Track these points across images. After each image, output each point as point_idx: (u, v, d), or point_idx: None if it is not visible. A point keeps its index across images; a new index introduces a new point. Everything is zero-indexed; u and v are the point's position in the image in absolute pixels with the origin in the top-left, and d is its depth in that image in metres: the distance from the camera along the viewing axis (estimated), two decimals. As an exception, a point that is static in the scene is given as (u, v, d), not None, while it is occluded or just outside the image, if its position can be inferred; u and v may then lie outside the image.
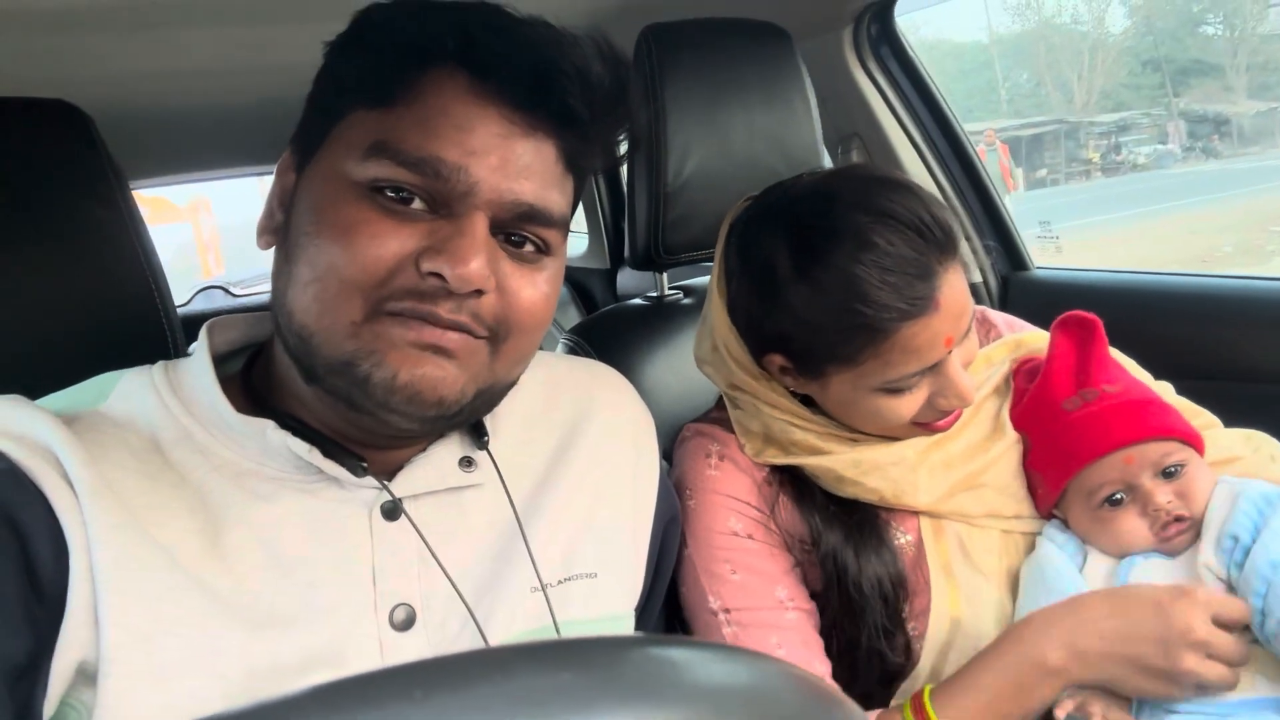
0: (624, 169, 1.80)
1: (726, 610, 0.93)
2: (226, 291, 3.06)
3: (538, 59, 0.64)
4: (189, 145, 2.27)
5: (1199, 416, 1.01)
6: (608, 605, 0.79)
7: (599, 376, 0.91)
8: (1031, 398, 0.99)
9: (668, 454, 1.04)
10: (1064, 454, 0.94)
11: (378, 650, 0.67)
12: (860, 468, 0.95)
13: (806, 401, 0.99)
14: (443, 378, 0.65)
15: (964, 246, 0.89)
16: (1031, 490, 0.99)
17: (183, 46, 1.47)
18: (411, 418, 0.65)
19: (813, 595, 0.98)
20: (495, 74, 0.65)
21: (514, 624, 0.72)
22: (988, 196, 1.72)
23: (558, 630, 0.73)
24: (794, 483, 0.99)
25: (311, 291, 0.64)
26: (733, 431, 1.01)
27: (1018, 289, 1.70)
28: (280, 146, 0.73)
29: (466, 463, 0.75)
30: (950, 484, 0.97)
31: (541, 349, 0.85)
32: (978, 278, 1.71)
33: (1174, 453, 0.91)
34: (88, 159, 0.87)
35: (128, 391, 0.70)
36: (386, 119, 0.65)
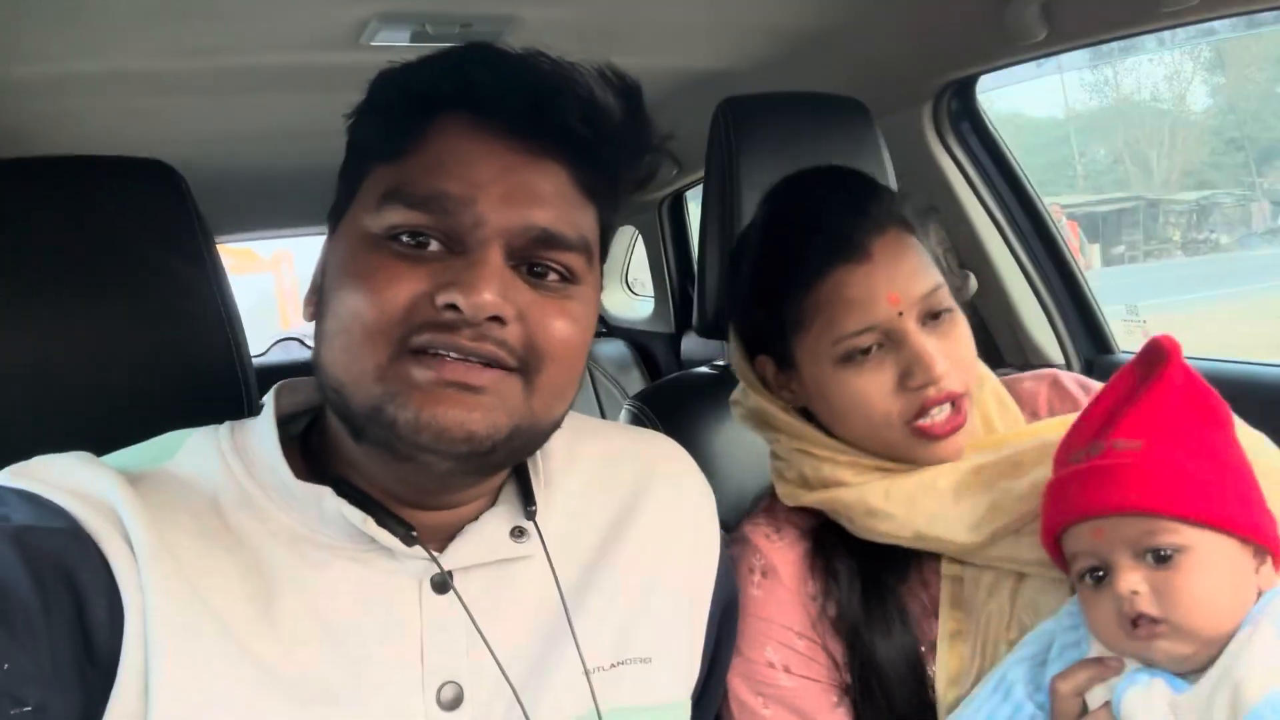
0: (694, 236, 1.79)
1: None
2: (302, 343, 3.14)
3: (535, 88, 0.65)
4: (273, 203, 2.36)
5: None
6: (662, 692, 0.76)
7: (659, 449, 0.89)
8: (1059, 444, 0.85)
9: (730, 527, 1.01)
10: (1044, 516, 0.81)
11: None
12: (891, 498, 0.91)
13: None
14: (469, 414, 0.63)
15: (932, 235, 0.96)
16: None
17: (272, 110, 1.53)
18: (444, 455, 0.63)
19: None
20: (494, 108, 0.65)
21: (562, 710, 0.70)
22: (1071, 276, 1.68)
23: None
24: (829, 562, 0.95)
25: (339, 343, 0.65)
26: (780, 504, 0.99)
27: (1102, 374, 1.63)
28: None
29: (518, 533, 0.73)
30: (995, 523, 0.88)
31: (606, 416, 0.83)
32: (1060, 360, 1.66)
33: (1164, 534, 0.72)
34: (178, 216, 0.89)
35: (194, 450, 0.71)
36: (398, 169, 0.66)
